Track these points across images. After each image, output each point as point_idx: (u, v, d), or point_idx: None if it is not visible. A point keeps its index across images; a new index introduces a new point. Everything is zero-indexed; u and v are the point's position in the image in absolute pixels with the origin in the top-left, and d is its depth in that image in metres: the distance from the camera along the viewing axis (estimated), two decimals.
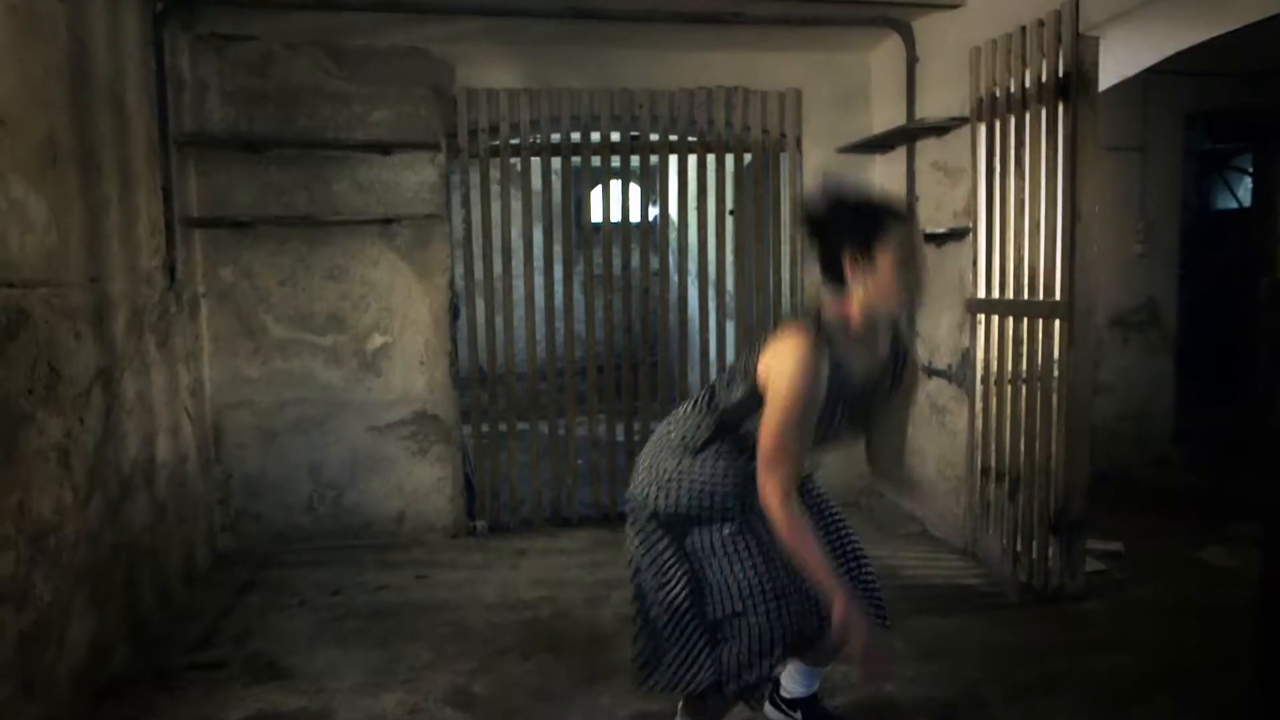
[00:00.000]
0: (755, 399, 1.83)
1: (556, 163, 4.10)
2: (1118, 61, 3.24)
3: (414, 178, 3.95)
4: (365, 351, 3.98)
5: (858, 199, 1.85)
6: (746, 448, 1.88)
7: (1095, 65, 2.94)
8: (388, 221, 3.90)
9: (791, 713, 2.33)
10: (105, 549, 2.73)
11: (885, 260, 1.75)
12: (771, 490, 1.76)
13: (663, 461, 1.98)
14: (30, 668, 2.24)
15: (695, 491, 1.93)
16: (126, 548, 2.88)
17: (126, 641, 2.83)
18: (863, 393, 1.89)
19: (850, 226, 1.79)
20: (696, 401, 2.01)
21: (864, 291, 1.79)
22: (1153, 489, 4.64)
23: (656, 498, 1.95)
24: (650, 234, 4.37)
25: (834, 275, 1.82)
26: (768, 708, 2.36)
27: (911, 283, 1.79)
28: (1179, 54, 3.29)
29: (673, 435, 2.00)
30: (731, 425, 1.91)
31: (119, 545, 2.83)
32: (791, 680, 2.31)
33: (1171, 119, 4.89)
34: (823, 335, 1.78)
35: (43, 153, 2.44)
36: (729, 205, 4.36)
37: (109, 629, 2.72)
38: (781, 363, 1.76)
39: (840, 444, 1.99)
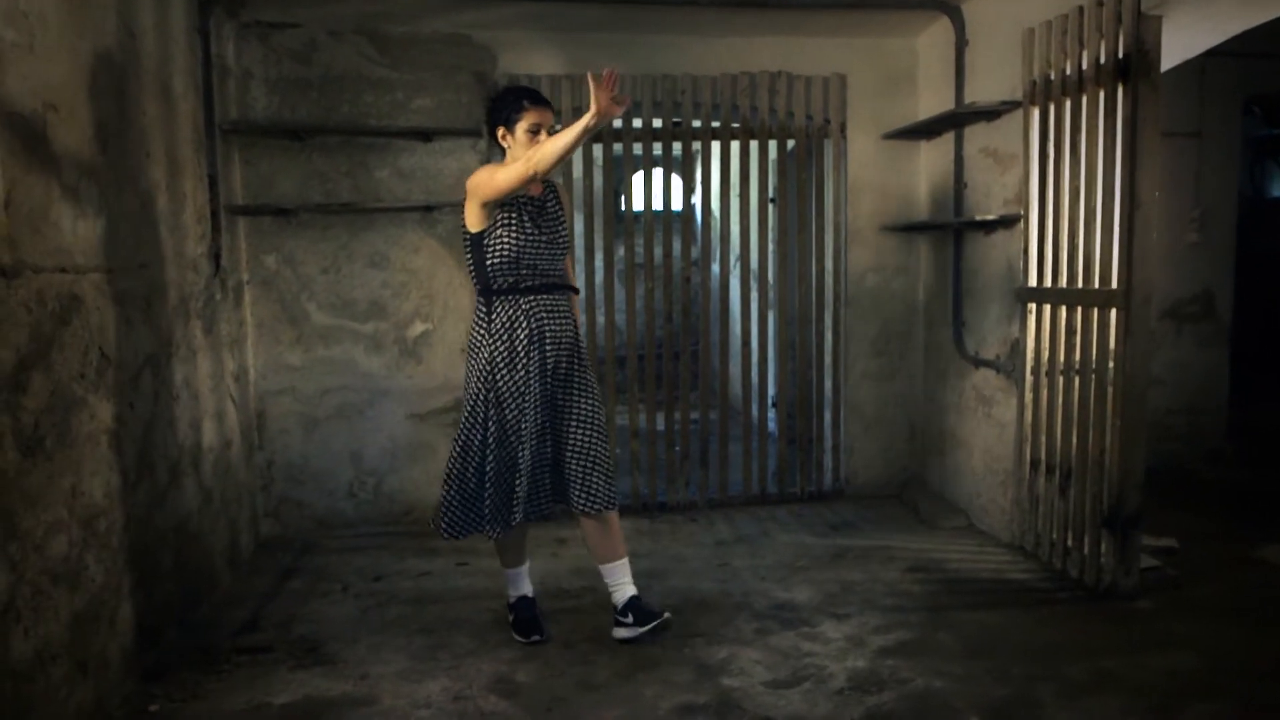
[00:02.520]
0: (476, 238, 2.68)
1: (596, 150, 4.07)
2: (1179, 42, 3.15)
3: (455, 165, 3.95)
4: (406, 339, 3.99)
5: (507, 89, 2.79)
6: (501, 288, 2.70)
7: (1158, 46, 2.84)
8: (429, 209, 3.90)
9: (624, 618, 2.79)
10: (154, 532, 2.76)
11: (520, 131, 2.63)
12: (519, 172, 2.50)
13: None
14: (83, 648, 2.27)
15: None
16: (174, 531, 2.92)
17: (175, 624, 2.87)
18: (537, 212, 2.73)
19: (500, 107, 2.69)
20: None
21: (510, 152, 2.68)
22: (1206, 485, 4.52)
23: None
24: (691, 222, 4.32)
25: (495, 142, 2.72)
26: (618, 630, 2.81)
27: (534, 148, 2.54)
28: (1236, 35, 3.17)
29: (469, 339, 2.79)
30: (485, 283, 2.71)
31: (167, 529, 2.86)
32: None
33: (1228, 103, 4.74)
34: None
35: (94, 140, 2.46)
36: (771, 193, 4.31)
37: (158, 611, 2.75)
38: (469, 184, 2.65)
39: (548, 251, 2.73)
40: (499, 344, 2.68)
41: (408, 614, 3.06)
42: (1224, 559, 3.43)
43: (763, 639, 2.79)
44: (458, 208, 3.90)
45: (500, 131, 2.70)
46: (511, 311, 2.69)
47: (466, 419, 2.73)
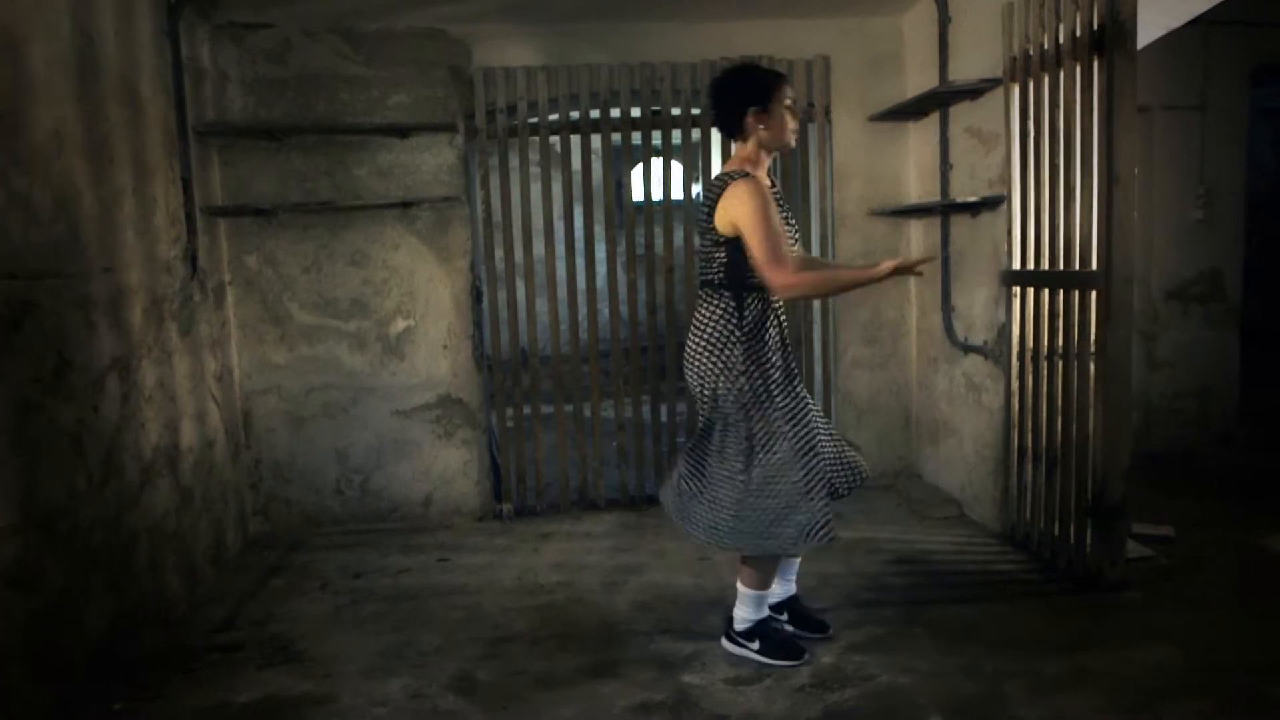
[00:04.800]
0: (734, 244, 2.41)
1: (595, 141, 4.02)
2: (1163, 11, 3.03)
3: (433, 160, 3.93)
4: (389, 336, 3.99)
5: (752, 69, 2.53)
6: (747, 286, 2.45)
7: (1133, 16, 2.72)
8: (407, 205, 3.88)
9: (749, 644, 2.57)
10: (125, 533, 2.78)
11: (777, 110, 2.42)
12: (782, 279, 2.32)
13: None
14: (43, 649, 2.29)
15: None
16: (148, 531, 2.94)
17: (151, 623, 2.89)
18: (783, 200, 2.56)
19: (752, 88, 2.43)
20: (705, 300, 2.51)
21: (764, 135, 2.44)
22: (1215, 470, 4.38)
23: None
24: (674, 211, 4.26)
25: (735, 131, 2.48)
26: (724, 643, 2.63)
27: (793, 123, 2.48)
28: (1238, 3, 3.04)
29: (706, 335, 2.49)
30: (739, 279, 2.44)
31: (139, 529, 2.88)
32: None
33: (1235, 73, 4.56)
34: (749, 174, 2.41)
35: (47, 145, 2.47)
36: None
37: (131, 611, 2.78)
38: (738, 204, 2.34)
39: (793, 241, 2.52)
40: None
41: (381, 611, 3.06)
42: (1223, 547, 3.32)
43: None
44: (436, 203, 3.91)
45: (752, 113, 2.42)
46: None
47: None
